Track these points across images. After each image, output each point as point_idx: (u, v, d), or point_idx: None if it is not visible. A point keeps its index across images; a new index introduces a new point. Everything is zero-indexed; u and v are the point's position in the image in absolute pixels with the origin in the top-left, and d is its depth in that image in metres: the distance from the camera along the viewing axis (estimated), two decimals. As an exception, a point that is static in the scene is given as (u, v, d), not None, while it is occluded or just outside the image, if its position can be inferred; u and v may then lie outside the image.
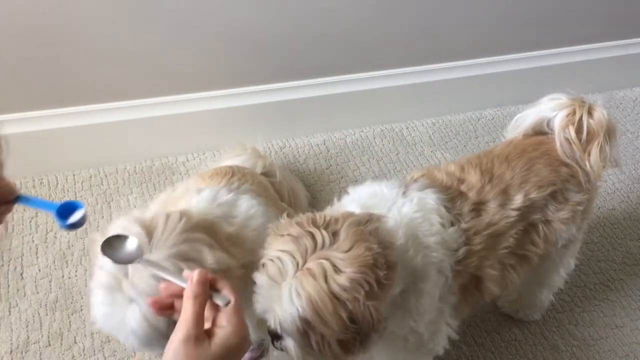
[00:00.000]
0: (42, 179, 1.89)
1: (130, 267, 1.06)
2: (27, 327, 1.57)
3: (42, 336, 1.56)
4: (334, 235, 1.04)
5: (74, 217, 0.94)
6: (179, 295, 0.88)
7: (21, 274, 1.67)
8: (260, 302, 1.06)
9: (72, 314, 1.60)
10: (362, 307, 1.01)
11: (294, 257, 1.02)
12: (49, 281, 1.66)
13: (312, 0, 1.83)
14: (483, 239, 1.24)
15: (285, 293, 1.01)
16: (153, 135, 1.95)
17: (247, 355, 1.52)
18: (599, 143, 1.30)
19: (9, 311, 1.60)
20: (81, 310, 1.61)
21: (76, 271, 1.69)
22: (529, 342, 1.64)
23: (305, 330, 1.01)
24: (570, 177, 1.33)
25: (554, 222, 1.32)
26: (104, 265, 1.08)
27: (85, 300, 1.62)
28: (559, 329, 1.68)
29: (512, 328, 1.67)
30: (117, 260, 0.98)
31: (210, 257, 1.10)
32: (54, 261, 1.70)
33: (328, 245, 1.03)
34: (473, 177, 1.28)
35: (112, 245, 0.97)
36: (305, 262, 1.01)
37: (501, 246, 1.28)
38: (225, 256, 1.13)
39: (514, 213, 1.26)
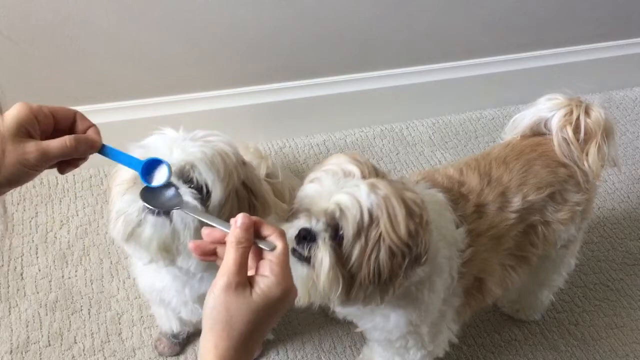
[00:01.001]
0: (42, 179, 1.89)
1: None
2: (27, 327, 1.58)
3: (42, 336, 1.56)
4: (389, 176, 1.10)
5: (159, 178, 0.92)
6: (222, 242, 0.83)
7: (21, 274, 1.67)
8: (306, 198, 1.05)
9: (72, 314, 1.60)
10: (424, 227, 1.04)
11: (359, 168, 1.05)
12: (49, 281, 1.66)
13: (312, 1, 1.83)
14: (485, 241, 1.25)
15: (361, 186, 1.01)
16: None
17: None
18: (596, 143, 1.30)
19: (9, 311, 1.60)
20: (81, 310, 1.61)
21: (76, 271, 1.69)
22: (529, 342, 1.64)
23: (364, 226, 1.01)
24: (569, 178, 1.33)
25: (553, 223, 1.32)
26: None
27: (85, 300, 1.63)
28: (559, 329, 1.68)
29: (512, 328, 1.67)
30: (157, 206, 0.96)
31: None
32: (54, 261, 1.71)
33: (387, 176, 1.08)
34: (472, 180, 1.28)
35: (151, 191, 0.94)
36: (369, 177, 1.05)
37: (502, 248, 1.29)
38: None
39: (513, 215, 1.26)
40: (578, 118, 1.30)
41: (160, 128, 1.16)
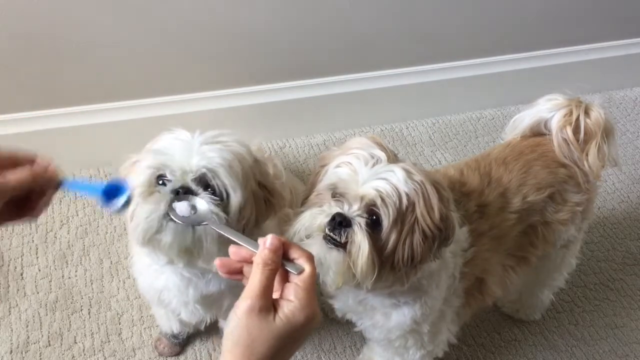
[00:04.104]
0: (42, 179, 1.89)
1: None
2: (27, 327, 1.58)
3: (42, 336, 1.56)
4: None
5: (119, 201, 0.90)
6: (249, 261, 0.81)
7: (21, 274, 1.67)
8: (340, 182, 1.05)
9: (72, 314, 1.60)
10: (450, 210, 1.07)
11: (385, 152, 1.06)
12: (49, 281, 1.66)
13: (313, 1, 1.83)
14: (487, 241, 1.25)
15: (398, 172, 1.02)
16: (153, 135, 1.94)
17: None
18: (596, 143, 1.30)
19: (9, 311, 1.60)
20: (81, 310, 1.61)
21: (76, 271, 1.69)
22: (529, 342, 1.64)
23: (402, 212, 1.02)
24: (569, 178, 1.33)
25: (553, 224, 1.32)
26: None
27: (85, 300, 1.63)
28: (559, 329, 1.68)
29: (512, 328, 1.67)
30: (186, 221, 0.97)
31: None
32: (54, 261, 1.71)
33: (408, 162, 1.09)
34: (473, 181, 1.28)
35: (176, 207, 0.97)
36: (394, 161, 1.06)
37: (502, 248, 1.29)
38: None
39: (513, 216, 1.26)
40: (578, 118, 1.30)
41: (171, 128, 1.15)
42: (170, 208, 0.97)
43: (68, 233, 1.77)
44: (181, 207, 0.98)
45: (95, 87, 1.82)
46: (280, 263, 0.79)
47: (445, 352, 1.38)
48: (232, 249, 0.83)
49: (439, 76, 2.13)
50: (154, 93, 1.89)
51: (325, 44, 1.95)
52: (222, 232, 0.91)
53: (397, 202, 1.01)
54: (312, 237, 1.06)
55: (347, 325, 1.54)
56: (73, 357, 1.53)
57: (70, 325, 1.59)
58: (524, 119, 1.38)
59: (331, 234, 1.03)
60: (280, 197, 1.21)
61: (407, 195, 1.01)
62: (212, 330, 1.57)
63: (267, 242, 0.79)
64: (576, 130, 1.31)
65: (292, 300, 0.77)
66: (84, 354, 1.54)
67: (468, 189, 1.27)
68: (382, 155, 1.05)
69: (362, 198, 1.02)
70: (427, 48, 2.07)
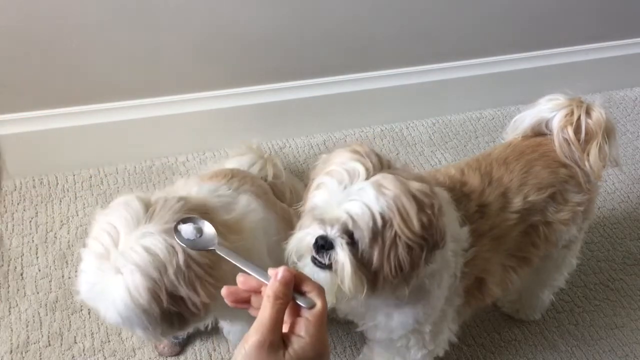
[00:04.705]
0: (42, 179, 1.89)
1: (122, 237, 1.04)
2: (27, 327, 1.57)
3: (42, 336, 1.56)
4: (395, 165, 1.08)
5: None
6: (257, 291, 0.79)
7: (21, 274, 1.67)
8: (318, 207, 1.05)
9: (72, 314, 1.60)
10: (436, 216, 1.03)
11: (364, 166, 1.03)
12: (49, 281, 1.66)
13: (312, 1, 1.83)
14: (487, 241, 1.25)
15: (368, 190, 1.01)
16: (153, 135, 1.95)
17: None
18: (597, 143, 1.30)
19: (9, 311, 1.60)
20: (81, 310, 1.61)
21: (76, 271, 1.67)
22: (529, 342, 1.64)
23: (378, 230, 1.01)
24: (570, 178, 1.33)
25: (554, 224, 1.32)
26: (97, 235, 1.07)
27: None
28: (559, 329, 1.68)
29: (512, 328, 1.67)
30: (190, 244, 0.93)
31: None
32: (54, 261, 1.70)
33: (393, 168, 1.07)
34: (474, 180, 1.28)
35: (181, 230, 0.93)
36: (375, 173, 1.03)
37: (503, 248, 1.29)
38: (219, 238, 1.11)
39: (514, 216, 1.26)
40: (579, 118, 1.30)
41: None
42: (174, 229, 0.94)
43: (68, 233, 1.77)
44: (186, 229, 0.93)
45: (95, 87, 1.82)
46: (292, 296, 0.77)
47: (446, 351, 1.38)
48: (240, 277, 0.81)
49: (439, 76, 2.13)
50: (154, 93, 1.89)
51: (326, 44, 1.95)
52: (229, 259, 0.87)
53: (371, 222, 1.00)
54: (304, 258, 1.09)
55: (347, 325, 1.54)
56: (73, 357, 1.53)
57: (70, 325, 1.59)
58: (525, 118, 1.38)
59: (316, 256, 1.05)
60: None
61: (380, 213, 1.00)
62: (212, 330, 1.57)
63: (278, 274, 0.77)
64: (577, 130, 1.31)
65: (302, 336, 0.76)
66: (84, 354, 1.54)
67: (469, 189, 1.26)
68: (360, 169, 1.03)
69: (337, 220, 1.03)
70: (427, 48, 2.07)
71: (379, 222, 1.01)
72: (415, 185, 1.03)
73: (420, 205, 1.02)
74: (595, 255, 1.85)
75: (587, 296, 1.75)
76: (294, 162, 2.03)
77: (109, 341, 1.56)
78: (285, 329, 0.77)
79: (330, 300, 1.06)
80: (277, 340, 0.74)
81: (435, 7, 1.96)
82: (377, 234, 1.01)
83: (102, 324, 1.59)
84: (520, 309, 1.65)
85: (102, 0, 1.66)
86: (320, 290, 0.78)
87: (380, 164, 1.06)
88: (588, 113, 1.31)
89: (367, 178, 1.02)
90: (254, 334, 0.74)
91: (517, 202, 1.27)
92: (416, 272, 1.08)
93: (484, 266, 1.27)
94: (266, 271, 0.79)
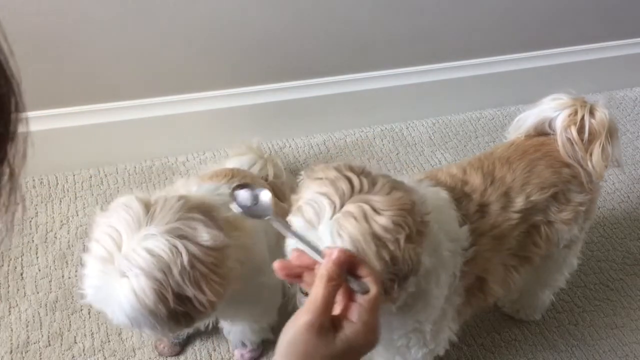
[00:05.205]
0: (42, 179, 1.89)
1: (124, 240, 1.04)
2: (27, 327, 1.57)
3: (42, 336, 1.56)
4: (371, 182, 1.03)
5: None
6: (311, 268, 0.77)
7: (21, 274, 1.67)
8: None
9: (72, 314, 1.60)
10: (402, 249, 1.00)
11: (331, 200, 1.00)
12: (49, 281, 1.66)
13: (312, 1, 1.83)
14: (488, 240, 1.25)
15: (326, 234, 0.98)
16: (153, 135, 1.94)
17: (247, 355, 1.52)
18: (600, 143, 1.30)
19: (9, 311, 1.60)
20: (81, 310, 1.61)
21: (76, 271, 1.68)
22: (529, 342, 1.64)
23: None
24: (572, 178, 1.33)
25: (556, 223, 1.32)
26: (99, 238, 1.07)
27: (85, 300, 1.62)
28: (559, 329, 1.68)
29: (512, 328, 1.67)
30: (248, 213, 0.87)
31: (205, 234, 1.08)
32: (54, 261, 1.70)
33: (366, 189, 1.01)
34: (475, 180, 1.27)
35: (237, 195, 0.88)
36: (343, 204, 1.00)
37: (504, 248, 1.29)
38: (221, 234, 1.11)
39: (516, 215, 1.26)
40: (582, 118, 1.30)
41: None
42: (232, 195, 0.88)
43: (68, 233, 1.77)
44: (243, 195, 0.87)
45: (95, 87, 1.82)
46: (345, 278, 0.75)
47: (446, 351, 1.38)
48: (294, 253, 0.79)
49: (439, 76, 2.13)
50: (154, 93, 1.89)
51: (325, 44, 1.95)
52: (284, 231, 0.85)
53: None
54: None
55: (348, 325, 1.54)
56: (73, 357, 1.53)
57: (70, 325, 1.58)
58: (528, 118, 1.38)
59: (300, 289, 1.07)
60: None
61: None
62: (212, 330, 1.57)
63: (333, 254, 0.75)
64: (581, 130, 1.31)
65: (355, 322, 0.74)
66: (84, 354, 1.53)
67: (470, 188, 1.26)
68: (325, 204, 1.00)
69: None
70: (427, 48, 2.07)
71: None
72: (379, 221, 0.99)
73: (382, 243, 0.99)
74: (595, 255, 1.85)
75: (587, 296, 1.75)
76: (294, 162, 2.03)
77: (109, 341, 1.56)
78: (337, 310, 0.75)
79: None
80: (327, 322, 0.73)
81: (435, 7, 1.96)
82: None
83: (102, 324, 1.58)
84: (521, 309, 1.65)
85: (102, 1, 1.66)
86: (377, 276, 0.77)
87: (352, 188, 1.02)
88: (592, 113, 1.31)
89: (333, 213, 0.99)
90: (305, 314, 0.72)
91: (519, 202, 1.26)
92: (393, 298, 1.06)
93: (484, 265, 1.27)
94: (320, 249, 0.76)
